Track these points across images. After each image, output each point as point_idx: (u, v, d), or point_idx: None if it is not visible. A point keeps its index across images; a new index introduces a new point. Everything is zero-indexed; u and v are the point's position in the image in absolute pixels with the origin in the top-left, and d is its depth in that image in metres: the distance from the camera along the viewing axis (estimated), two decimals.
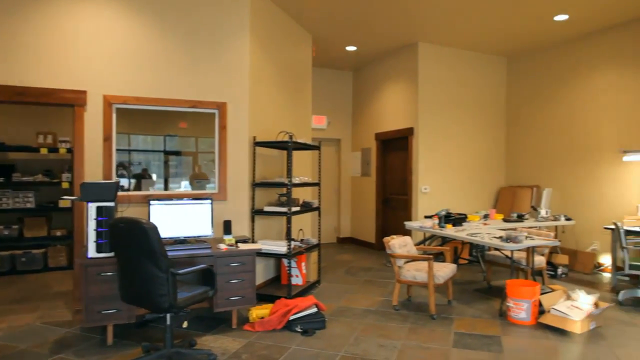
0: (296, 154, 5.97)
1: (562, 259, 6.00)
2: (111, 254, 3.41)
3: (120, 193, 4.18)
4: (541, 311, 4.07)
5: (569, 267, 6.19)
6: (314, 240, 5.23)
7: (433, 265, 4.24)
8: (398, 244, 4.51)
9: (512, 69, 7.56)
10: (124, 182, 4.34)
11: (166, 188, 4.60)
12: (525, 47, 6.98)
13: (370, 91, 8.07)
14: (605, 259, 6.02)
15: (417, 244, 6.08)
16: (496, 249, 5.04)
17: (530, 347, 3.47)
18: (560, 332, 3.77)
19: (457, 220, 5.42)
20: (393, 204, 7.57)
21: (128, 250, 2.87)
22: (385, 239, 4.51)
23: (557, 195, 6.73)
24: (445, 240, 5.99)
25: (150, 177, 4.55)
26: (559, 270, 5.77)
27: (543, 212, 6.13)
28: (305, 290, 4.95)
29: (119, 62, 4.27)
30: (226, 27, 4.66)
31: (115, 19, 4.26)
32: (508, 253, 4.87)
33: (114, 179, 4.24)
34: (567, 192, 6.61)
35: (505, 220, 5.97)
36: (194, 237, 4.04)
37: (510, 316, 4.08)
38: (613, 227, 5.12)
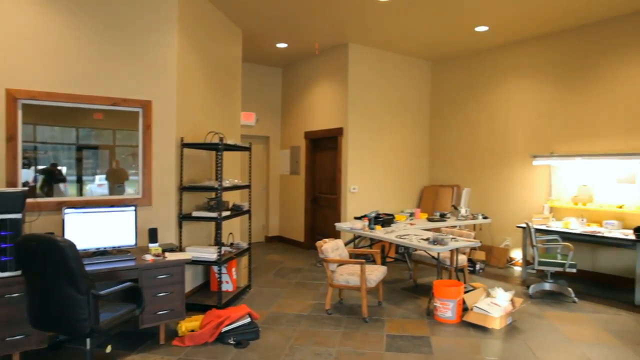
0: (226, 154, 5.76)
1: (479, 255, 6.41)
2: (17, 272, 3.03)
3: (28, 200, 3.72)
4: (465, 309, 4.30)
5: (486, 262, 6.64)
6: (244, 245, 5.09)
7: (365, 269, 4.30)
8: (330, 247, 4.52)
9: (436, 73, 7.90)
10: (28, 175, 3.86)
11: (81, 189, 4.18)
12: (449, 53, 7.32)
13: (300, 89, 8.01)
14: (516, 254, 6.54)
15: (346, 244, 6.17)
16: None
17: (457, 346, 3.65)
18: (482, 329, 4.02)
19: (386, 221, 5.57)
20: (322, 203, 7.61)
21: (40, 271, 2.56)
22: (318, 243, 4.50)
23: (475, 195, 7.18)
24: (373, 240, 6.13)
25: (61, 173, 4.10)
26: (477, 266, 6.16)
27: (463, 210, 6.51)
28: (236, 297, 4.81)
29: (26, 53, 3.78)
30: (153, 19, 4.33)
31: (24, 4, 3.77)
32: (434, 253, 5.08)
33: (20, 186, 3.77)
34: (484, 192, 7.08)
35: (429, 220, 6.25)
36: (116, 247, 3.73)
37: (437, 315, 4.27)
38: (524, 225, 5.55)
